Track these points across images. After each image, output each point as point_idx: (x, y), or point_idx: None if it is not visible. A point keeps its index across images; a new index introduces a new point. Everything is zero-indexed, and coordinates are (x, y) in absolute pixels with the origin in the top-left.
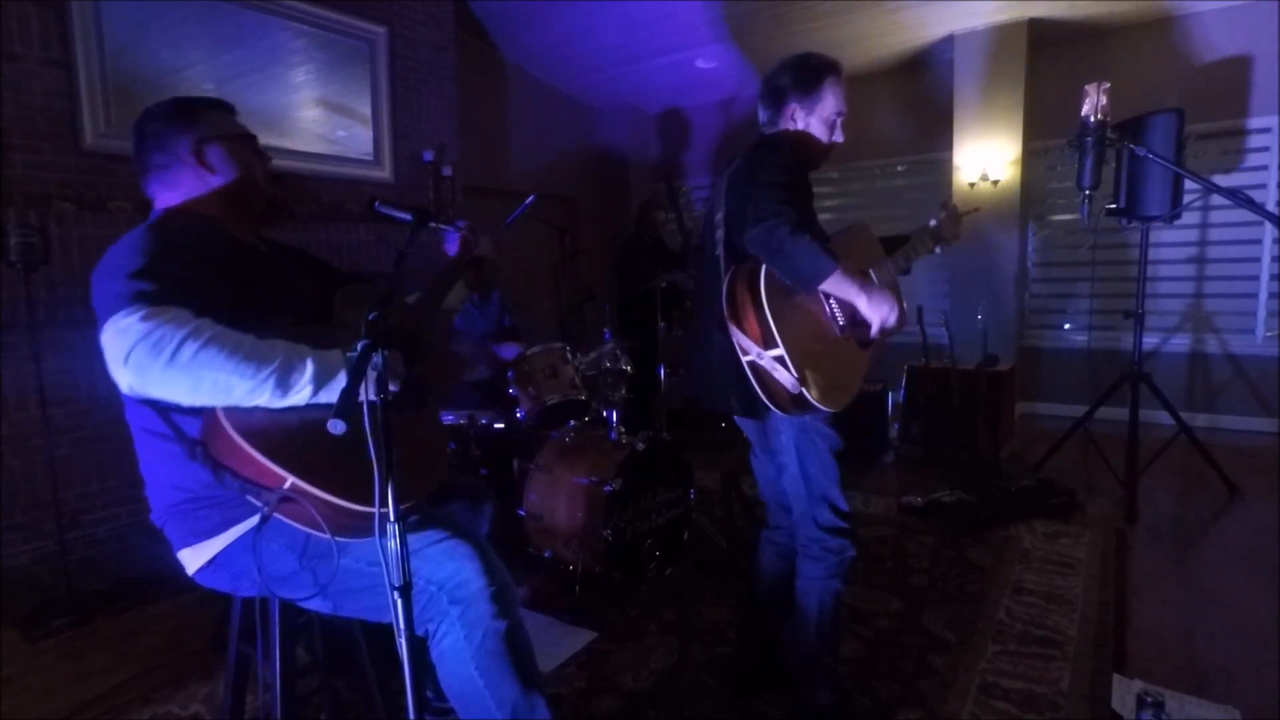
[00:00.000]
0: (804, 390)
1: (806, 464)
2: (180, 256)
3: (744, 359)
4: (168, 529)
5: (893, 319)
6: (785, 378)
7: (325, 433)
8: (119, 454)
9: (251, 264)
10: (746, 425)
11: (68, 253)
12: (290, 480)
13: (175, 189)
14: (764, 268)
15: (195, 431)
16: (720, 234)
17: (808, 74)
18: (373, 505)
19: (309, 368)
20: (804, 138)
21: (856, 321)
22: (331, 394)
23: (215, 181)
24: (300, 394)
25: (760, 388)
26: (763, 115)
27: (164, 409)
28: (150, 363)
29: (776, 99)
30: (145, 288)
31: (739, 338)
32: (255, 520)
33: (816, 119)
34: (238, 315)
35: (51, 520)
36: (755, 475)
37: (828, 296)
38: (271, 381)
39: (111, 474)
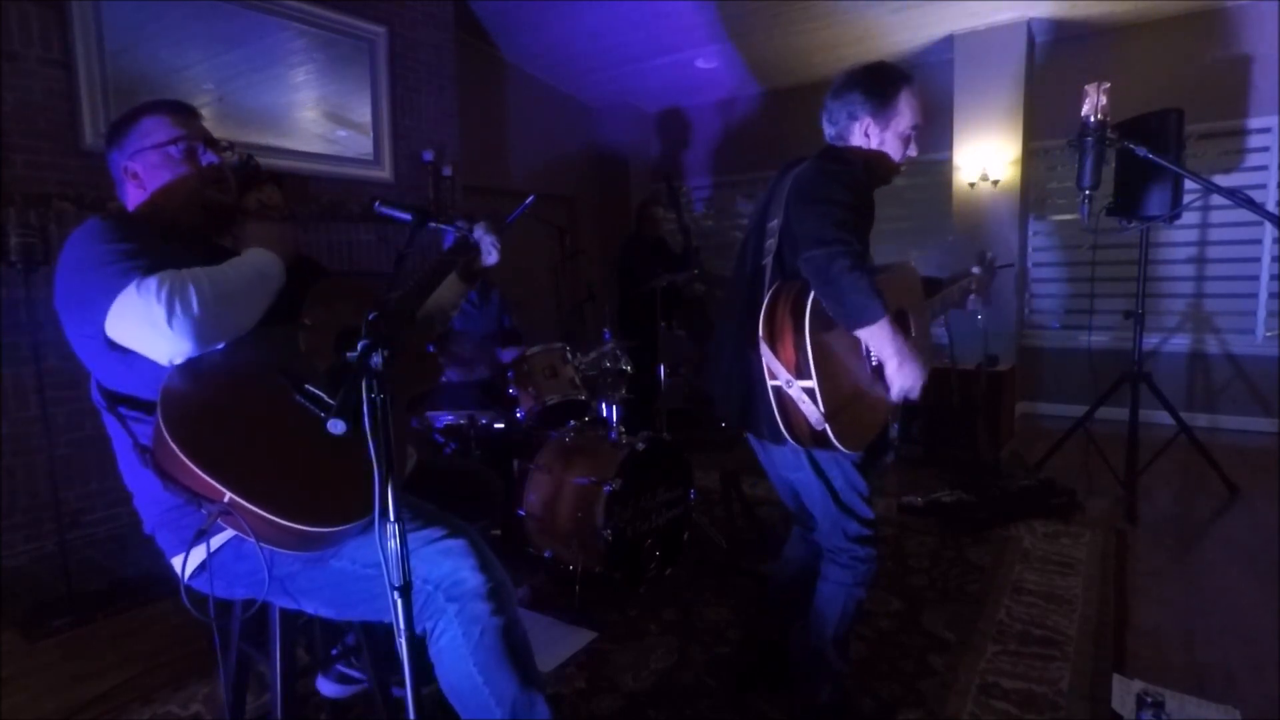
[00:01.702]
0: (828, 428)
1: (831, 478)
2: (142, 236)
3: (770, 383)
4: (159, 538)
5: (916, 391)
6: (811, 412)
7: (272, 447)
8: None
9: (214, 262)
10: (757, 444)
11: None
12: (228, 495)
13: (127, 201)
14: (814, 294)
15: (147, 439)
16: (771, 243)
17: (882, 85)
18: (315, 524)
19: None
20: (878, 157)
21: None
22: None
23: (152, 191)
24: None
25: (781, 416)
26: (829, 130)
27: (123, 416)
28: (191, 316)
29: (847, 113)
30: (137, 262)
31: (770, 359)
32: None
33: (891, 134)
34: None
35: (51, 520)
36: (774, 486)
37: None
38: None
39: (111, 474)
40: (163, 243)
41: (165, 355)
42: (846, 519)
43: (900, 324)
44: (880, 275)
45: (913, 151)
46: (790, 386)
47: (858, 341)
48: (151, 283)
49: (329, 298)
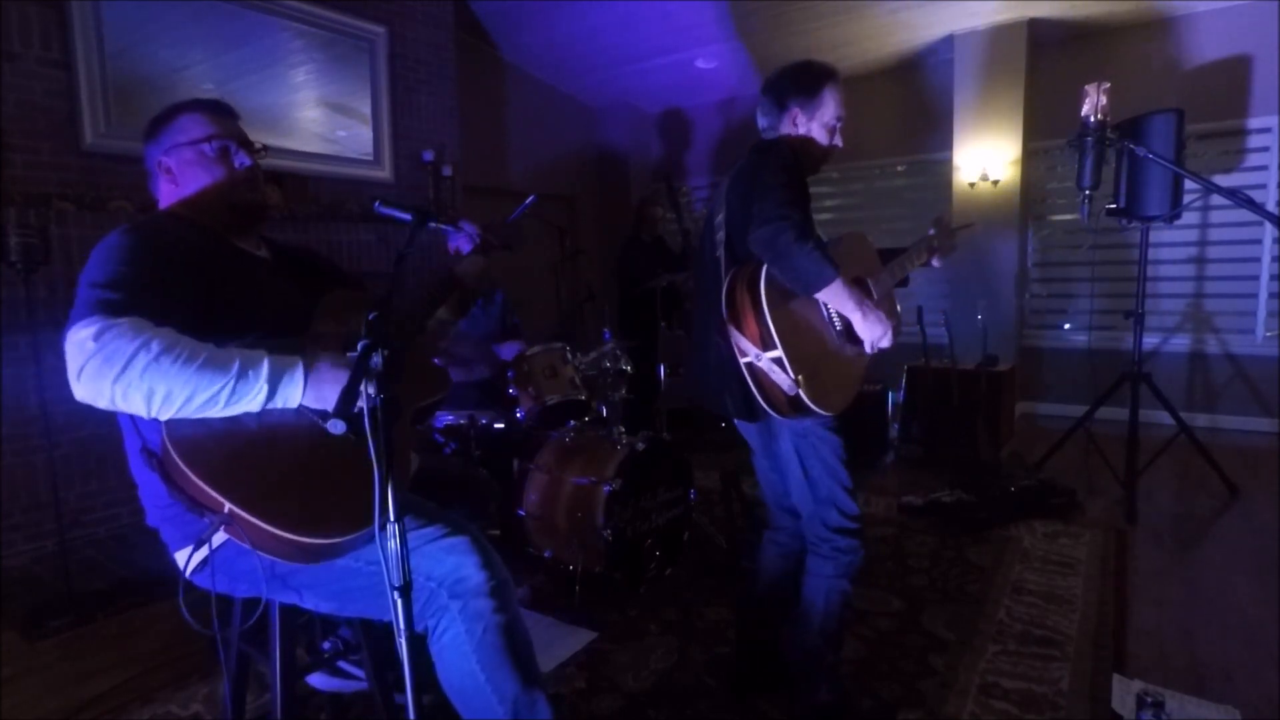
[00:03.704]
0: (800, 392)
1: (810, 468)
2: (150, 260)
3: (742, 361)
4: (163, 532)
5: (885, 341)
6: (782, 379)
7: (274, 458)
8: (119, 454)
9: (234, 267)
10: (747, 430)
11: (68, 253)
12: (229, 507)
13: (160, 195)
14: (764, 269)
15: (155, 441)
16: (720, 236)
17: (808, 80)
18: (316, 535)
19: (264, 371)
20: (805, 142)
21: (853, 329)
22: (287, 398)
23: (185, 188)
24: (256, 399)
25: (758, 390)
26: (763, 121)
27: (133, 416)
28: (102, 377)
29: (778, 104)
30: (106, 296)
31: (738, 339)
32: None
33: (817, 124)
34: (207, 320)
35: (51, 520)
36: (758, 478)
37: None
38: (227, 390)
39: (111, 474)
40: (172, 265)
41: (76, 396)
42: (825, 509)
43: (860, 289)
44: (832, 248)
45: (838, 142)
46: (760, 360)
47: (818, 307)
48: (97, 327)
49: (339, 309)
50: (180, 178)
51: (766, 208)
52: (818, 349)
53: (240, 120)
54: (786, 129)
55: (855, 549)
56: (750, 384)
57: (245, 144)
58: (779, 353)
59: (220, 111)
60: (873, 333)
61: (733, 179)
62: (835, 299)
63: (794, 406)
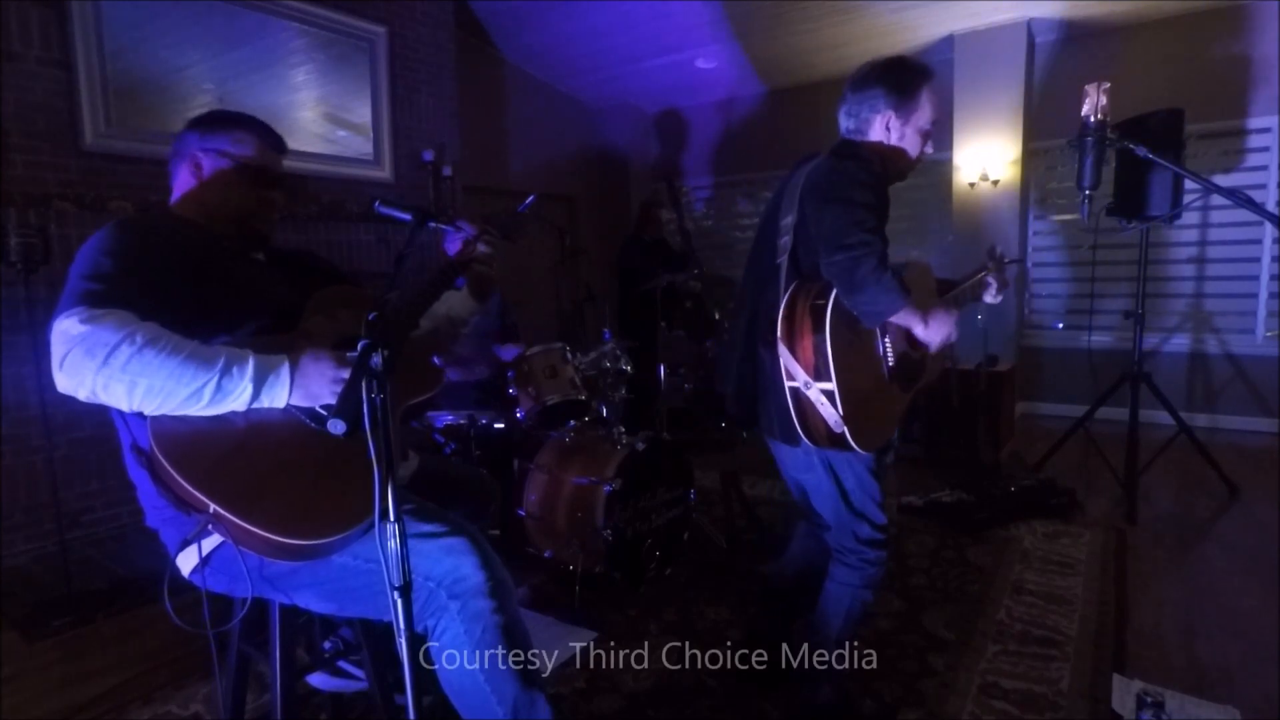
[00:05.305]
0: (846, 430)
1: (844, 481)
2: (139, 254)
3: (788, 384)
4: (163, 534)
5: (954, 335)
6: (830, 414)
7: (260, 457)
8: (119, 454)
9: (226, 266)
10: (774, 443)
11: (68, 253)
12: (213, 506)
13: (176, 183)
14: (833, 298)
15: (145, 439)
16: (785, 241)
17: (905, 80)
18: (302, 536)
19: (249, 369)
20: (896, 153)
21: (904, 363)
22: (273, 397)
23: (204, 191)
24: (241, 398)
25: (798, 416)
26: (847, 123)
27: (122, 413)
28: (84, 367)
29: (869, 106)
30: (91, 288)
31: (788, 360)
32: None
33: (912, 129)
34: (197, 316)
35: (51, 520)
36: (789, 487)
37: (884, 332)
38: (211, 387)
39: (111, 474)
40: (162, 261)
41: (59, 387)
42: (857, 522)
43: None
44: (902, 273)
45: (929, 149)
46: (809, 388)
47: (874, 342)
48: (81, 317)
49: (330, 306)
50: (206, 178)
51: (847, 232)
52: (869, 386)
53: (285, 158)
54: (877, 135)
55: (882, 561)
56: (791, 409)
57: (279, 181)
58: (831, 386)
59: (274, 144)
60: (940, 333)
61: (810, 181)
62: (901, 318)
63: (833, 441)
